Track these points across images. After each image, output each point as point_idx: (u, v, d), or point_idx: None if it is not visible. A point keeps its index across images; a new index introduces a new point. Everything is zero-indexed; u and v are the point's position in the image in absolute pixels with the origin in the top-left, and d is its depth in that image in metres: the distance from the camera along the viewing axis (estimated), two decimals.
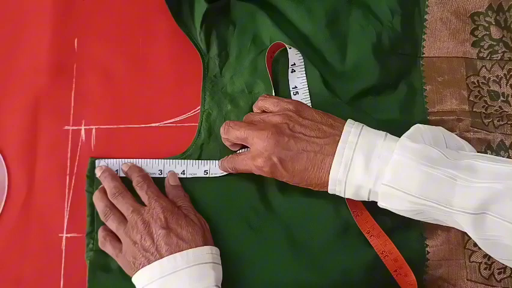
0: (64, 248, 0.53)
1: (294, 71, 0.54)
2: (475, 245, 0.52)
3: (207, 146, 0.54)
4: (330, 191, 0.46)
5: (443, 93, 0.55)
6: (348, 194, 0.45)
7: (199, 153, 0.54)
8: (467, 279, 0.52)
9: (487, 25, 0.56)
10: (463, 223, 0.41)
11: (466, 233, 0.52)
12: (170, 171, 0.53)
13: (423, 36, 0.56)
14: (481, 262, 0.52)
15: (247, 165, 0.48)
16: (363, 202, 0.51)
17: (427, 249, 0.52)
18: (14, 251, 0.53)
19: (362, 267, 0.51)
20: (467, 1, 0.56)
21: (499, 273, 0.52)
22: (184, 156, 0.54)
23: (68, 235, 0.54)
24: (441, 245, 0.52)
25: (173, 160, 0.53)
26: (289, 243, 0.52)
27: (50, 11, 0.57)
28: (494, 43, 0.55)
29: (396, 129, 0.52)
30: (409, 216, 0.45)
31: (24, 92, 0.56)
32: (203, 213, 0.52)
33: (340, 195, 0.46)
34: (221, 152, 0.53)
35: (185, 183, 0.53)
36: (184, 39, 0.55)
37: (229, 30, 0.56)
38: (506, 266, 0.52)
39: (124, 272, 0.50)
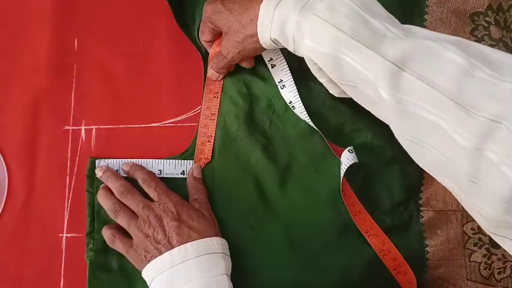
0: (64, 248, 0.54)
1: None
2: (475, 244, 0.53)
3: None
4: (259, 32, 0.45)
5: None
6: (274, 31, 0.43)
7: None
8: (467, 279, 0.52)
9: (486, 25, 0.56)
10: (379, 75, 0.37)
11: (465, 232, 0.52)
12: (188, 170, 0.54)
13: None
14: (481, 262, 0.52)
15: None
16: (361, 201, 0.52)
17: (427, 249, 0.52)
18: (14, 251, 0.53)
19: (361, 266, 0.51)
20: (467, 1, 0.56)
21: (499, 273, 0.52)
22: (184, 156, 0.54)
23: (68, 235, 0.54)
24: (441, 245, 0.52)
25: (173, 160, 0.53)
26: (289, 243, 0.52)
27: (50, 11, 0.57)
28: (494, 43, 0.55)
29: None
30: (330, 72, 0.42)
31: (24, 92, 0.56)
32: None
33: (265, 34, 0.45)
34: (220, 152, 0.54)
35: (184, 183, 0.53)
36: (184, 40, 0.55)
37: None
38: (506, 266, 0.52)
39: (124, 271, 0.51)
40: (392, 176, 0.53)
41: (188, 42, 0.55)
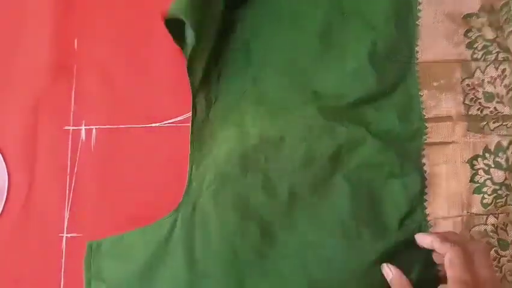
0: (64, 248, 0.53)
1: None
2: None
3: (198, 199, 0.51)
4: None
5: (439, 97, 0.54)
6: None
7: (192, 208, 0.51)
8: None
9: (480, 26, 0.56)
10: None
11: (473, 237, 0.51)
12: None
13: (417, 41, 0.55)
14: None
15: None
16: (370, 222, 0.50)
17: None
18: (14, 251, 0.53)
19: None
20: (460, 3, 0.56)
21: (510, 275, 0.52)
22: (178, 213, 0.51)
23: (68, 235, 0.54)
24: None
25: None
26: (309, 284, 0.49)
27: (50, 11, 0.57)
28: (488, 44, 0.55)
29: (395, 138, 0.53)
30: None
31: (24, 92, 0.56)
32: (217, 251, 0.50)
33: None
34: (216, 205, 0.51)
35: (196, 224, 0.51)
36: None
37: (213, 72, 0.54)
38: None
39: None
40: (394, 190, 0.52)
41: None
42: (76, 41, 0.57)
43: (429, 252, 0.51)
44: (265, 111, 0.53)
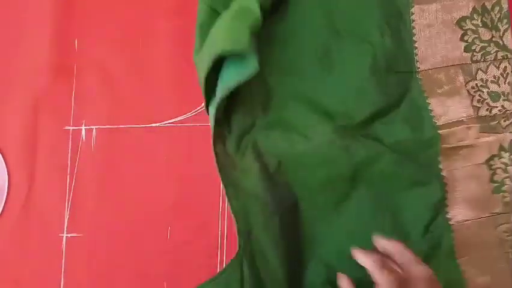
0: (64, 248, 0.54)
1: None
2: None
3: (251, 234, 0.52)
4: None
5: (446, 104, 0.54)
6: None
7: (249, 245, 0.52)
8: None
9: (475, 28, 0.55)
10: None
11: (499, 236, 0.52)
12: None
13: (415, 51, 0.55)
14: None
15: None
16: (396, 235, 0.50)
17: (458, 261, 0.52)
18: (14, 251, 0.53)
19: None
20: (451, 8, 0.56)
21: None
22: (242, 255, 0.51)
23: (68, 235, 0.54)
24: (477, 253, 0.52)
25: None
26: None
27: (50, 11, 0.57)
28: (486, 44, 0.55)
29: (410, 149, 0.53)
30: None
31: (24, 92, 0.56)
32: None
33: None
34: (267, 235, 0.51)
35: None
36: (184, 40, 0.55)
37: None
38: None
39: None
40: (415, 199, 0.52)
41: (188, 42, 0.55)
42: (76, 41, 0.57)
43: (450, 252, 0.52)
44: (279, 137, 0.53)
